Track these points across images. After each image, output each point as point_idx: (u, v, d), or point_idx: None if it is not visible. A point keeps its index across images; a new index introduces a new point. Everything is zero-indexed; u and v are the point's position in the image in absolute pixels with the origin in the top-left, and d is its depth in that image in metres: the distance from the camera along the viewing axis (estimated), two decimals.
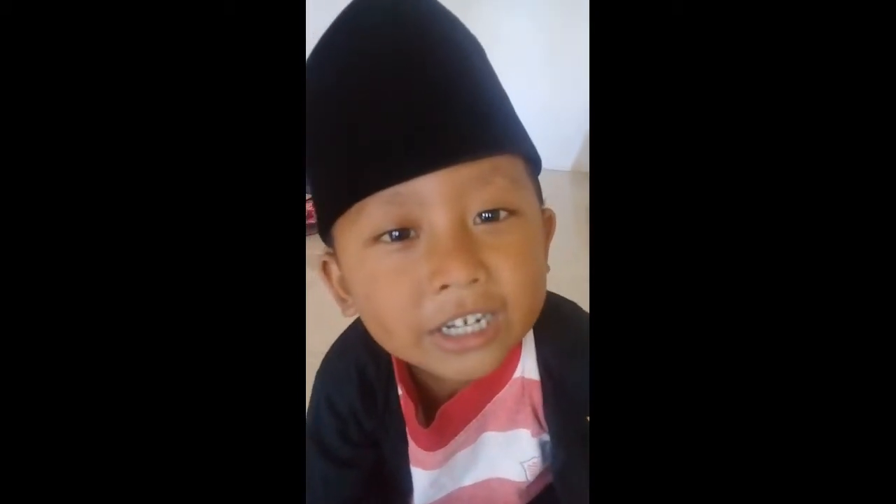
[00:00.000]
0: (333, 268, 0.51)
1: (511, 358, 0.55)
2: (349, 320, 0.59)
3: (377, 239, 0.43)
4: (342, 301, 0.52)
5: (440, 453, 0.56)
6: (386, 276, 0.44)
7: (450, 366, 0.46)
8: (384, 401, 0.57)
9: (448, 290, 0.42)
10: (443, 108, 0.42)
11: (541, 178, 0.52)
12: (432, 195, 0.42)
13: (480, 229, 0.43)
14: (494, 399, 0.56)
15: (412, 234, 0.43)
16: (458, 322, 0.43)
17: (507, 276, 0.43)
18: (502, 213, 0.44)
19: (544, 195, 0.52)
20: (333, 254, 0.50)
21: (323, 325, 0.62)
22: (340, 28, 0.46)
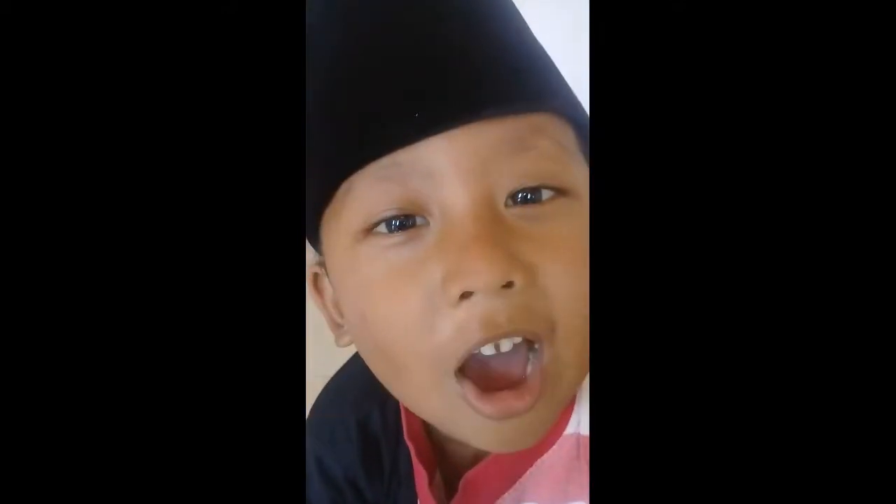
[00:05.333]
0: (327, 282, 0.40)
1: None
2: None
3: (371, 231, 0.32)
4: (336, 327, 0.41)
5: None
6: (384, 282, 0.32)
7: (483, 435, 0.34)
8: (392, 464, 0.45)
9: (471, 303, 0.30)
10: (458, 53, 0.32)
11: None
12: (446, 165, 0.30)
13: (515, 213, 0.31)
14: (538, 462, 0.42)
15: (419, 221, 0.32)
16: (488, 349, 0.31)
17: (557, 284, 0.31)
18: (546, 193, 0.32)
19: None
20: (324, 262, 0.38)
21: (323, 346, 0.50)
22: None
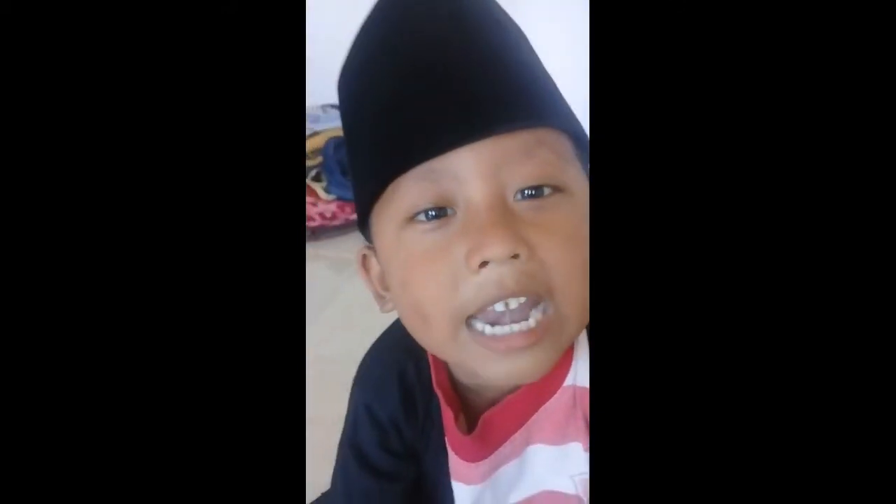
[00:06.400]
0: (373, 262, 0.49)
1: (562, 363, 0.50)
2: (376, 327, 0.58)
3: (412, 219, 0.41)
4: (380, 298, 0.50)
5: (483, 465, 0.51)
6: (422, 258, 0.41)
7: (493, 368, 0.42)
8: (425, 408, 0.54)
9: (487, 270, 0.39)
10: (478, 80, 0.40)
11: None
12: (468, 169, 0.39)
13: (522, 206, 0.40)
14: (542, 408, 0.51)
15: (448, 212, 0.41)
16: (499, 306, 0.40)
17: (553, 257, 0.40)
18: (546, 190, 0.41)
19: None
20: (372, 247, 0.48)
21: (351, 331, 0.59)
22: (379, 9, 0.45)
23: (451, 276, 0.40)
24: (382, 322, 0.57)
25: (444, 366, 0.53)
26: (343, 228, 1.75)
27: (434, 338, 0.44)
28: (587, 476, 0.54)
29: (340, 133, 2.15)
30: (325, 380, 1.09)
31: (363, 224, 0.47)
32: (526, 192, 0.40)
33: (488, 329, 0.41)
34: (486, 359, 0.41)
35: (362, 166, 0.45)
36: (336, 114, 2.34)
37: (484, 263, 0.38)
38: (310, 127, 2.19)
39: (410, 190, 0.40)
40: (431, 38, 0.42)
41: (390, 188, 0.42)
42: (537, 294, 0.40)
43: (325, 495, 0.68)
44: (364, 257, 0.50)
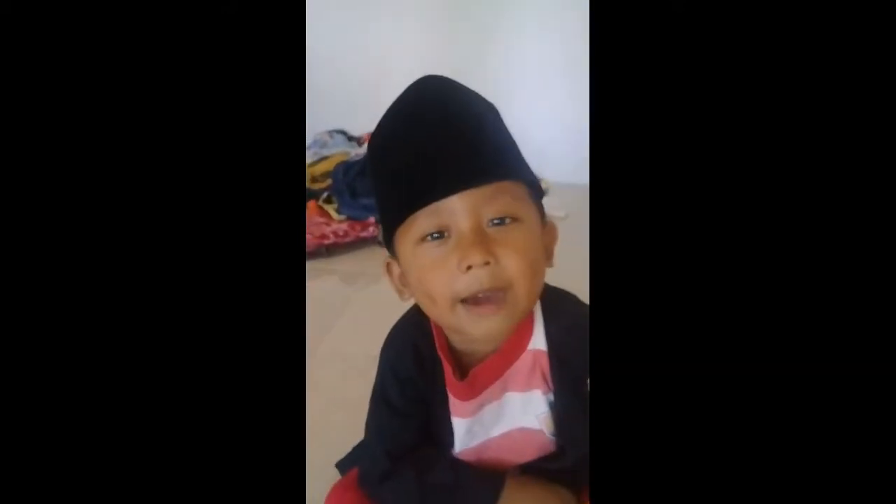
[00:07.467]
0: (394, 267, 0.73)
1: (525, 334, 0.75)
2: (387, 325, 0.82)
3: (423, 239, 0.65)
4: (400, 292, 0.74)
5: (472, 403, 0.75)
6: (431, 264, 0.65)
7: (476, 327, 0.66)
8: (431, 367, 0.78)
9: (471, 271, 0.63)
10: (464, 153, 0.64)
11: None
12: (459, 208, 0.63)
13: (492, 230, 0.64)
14: (513, 366, 0.75)
15: (446, 234, 0.64)
16: (480, 294, 0.64)
17: (511, 263, 0.64)
18: (507, 220, 0.64)
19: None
20: (394, 257, 0.72)
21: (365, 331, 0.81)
22: (396, 108, 0.69)
23: (449, 275, 0.64)
24: (386, 323, 0.82)
25: (444, 335, 0.76)
26: (354, 245, 1.98)
27: (439, 312, 0.68)
28: (546, 414, 0.78)
29: (347, 157, 2.40)
30: (343, 373, 1.34)
31: (388, 242, 0.72)
32: (494, 221, 0.64)
33: (471, 305, 0.65)
34: (470, 321, 0.65)
35: (390, 205, 0.69)
36: (341, 139, 2.57)
37: (469, 267, 0.62)
38: (319, 152, 2.40)
39: (423, 221, 0.64)
40: (435, 124, 0.65)
41: (409, 220, 0.65)
42: (501, 288, 0.64)
43: (361, 443, 0.92)
44: (388, 264, 0.74)
